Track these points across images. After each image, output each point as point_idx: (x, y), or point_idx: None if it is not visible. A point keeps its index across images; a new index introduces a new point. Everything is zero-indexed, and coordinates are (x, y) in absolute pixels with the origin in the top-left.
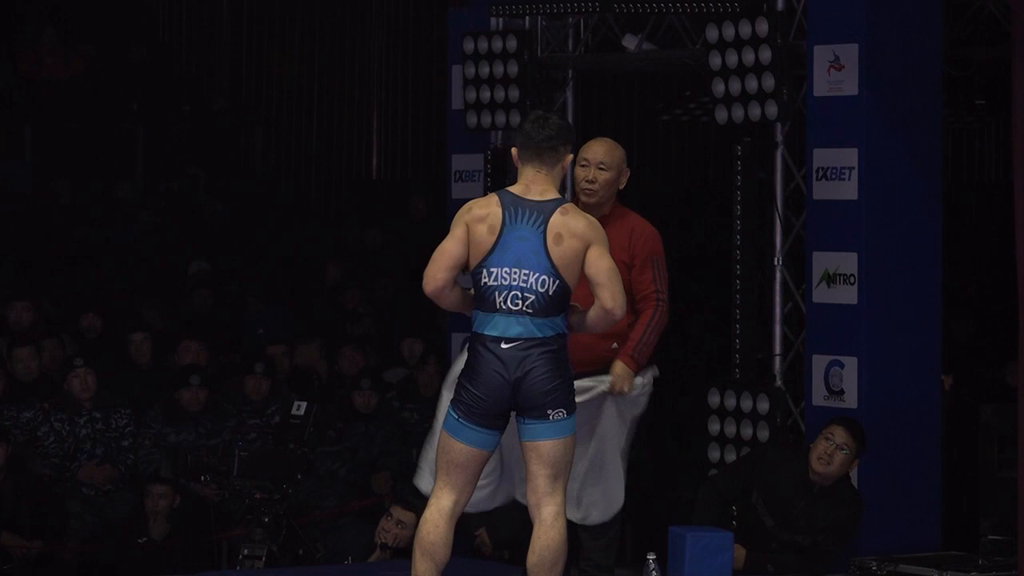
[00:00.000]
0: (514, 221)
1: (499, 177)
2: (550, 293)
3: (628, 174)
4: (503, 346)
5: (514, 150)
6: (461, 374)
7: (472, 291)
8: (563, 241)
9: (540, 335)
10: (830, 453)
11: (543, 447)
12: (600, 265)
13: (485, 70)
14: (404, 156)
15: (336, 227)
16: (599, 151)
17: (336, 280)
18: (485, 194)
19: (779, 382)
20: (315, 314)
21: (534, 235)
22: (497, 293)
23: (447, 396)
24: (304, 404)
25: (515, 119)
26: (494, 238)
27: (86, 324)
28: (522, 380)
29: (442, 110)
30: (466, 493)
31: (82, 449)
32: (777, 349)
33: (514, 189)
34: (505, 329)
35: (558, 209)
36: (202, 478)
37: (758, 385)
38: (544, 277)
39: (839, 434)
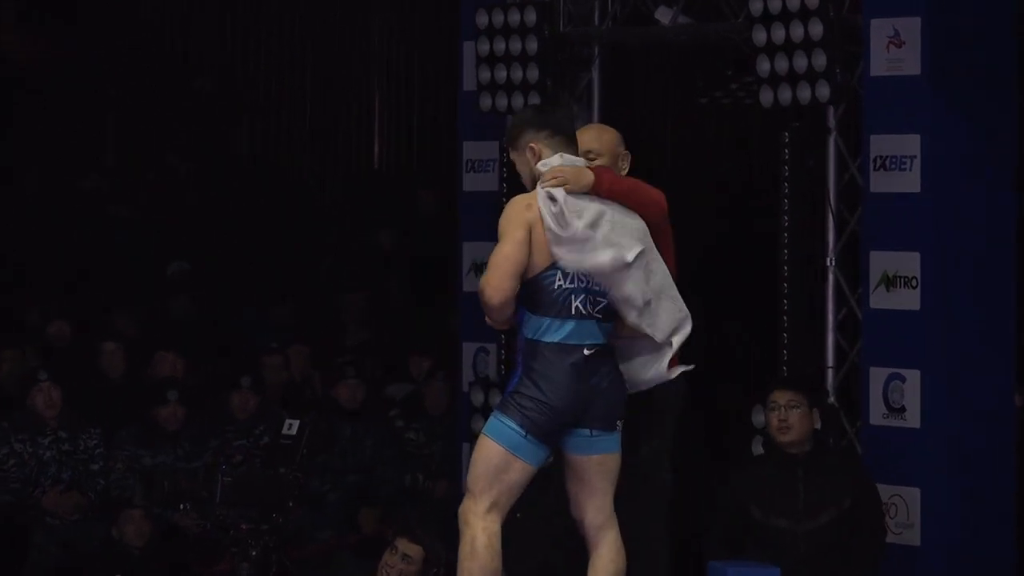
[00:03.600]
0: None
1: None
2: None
3: (629, 158)
4: (586, 353)
5: (535, 144)
6: (521, 386)
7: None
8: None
9: (607, 342)
10: (783, 419)
11: (611, 461)
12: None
13: (501, 46)
14: (409, 144)
15: (333, 224)
16: (585, 139)
17: (333, 284)
18: (501, 186)
19: (832, 398)
20: (309, 322)
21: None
22: (573, 296)
23: None
24: (296, 423)
25: (534, 101)
26: None
27: (51, 332)
28: (602, 390)
29: (452, 92)
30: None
31: (46, 473)
32: (830, 361)
33: None
34: (583, 336)
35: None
36: (181, 506)
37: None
38: None
39: (780, 397)
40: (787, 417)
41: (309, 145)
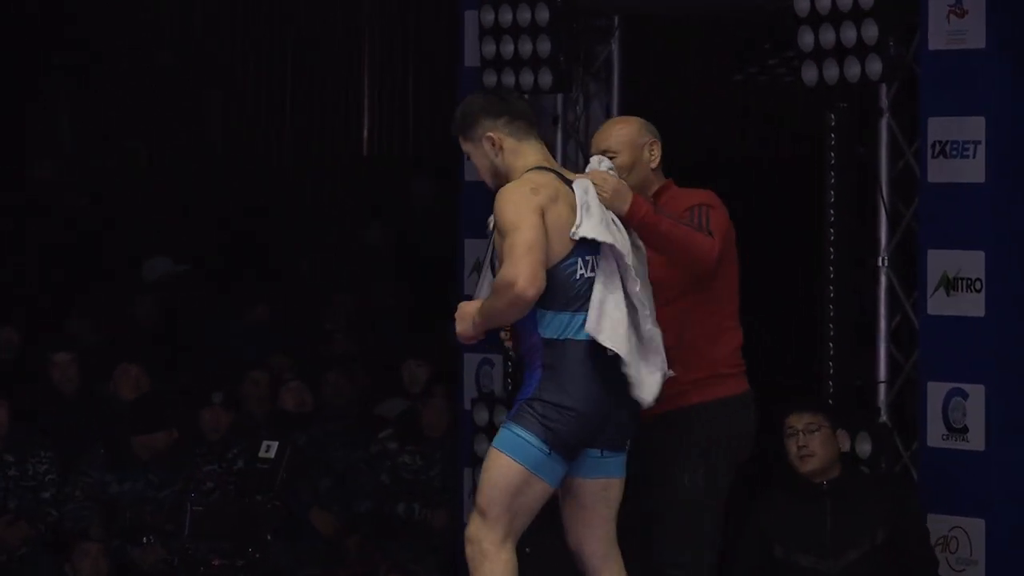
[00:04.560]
0: None
1: None
2: None
3: (657, 146)
4: (609, 354)
5: (494, 135)
6: (542, 391)
7: None
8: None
9: None
10: (803, 445)
11: (616, 486)
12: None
13: (507, 16)
14: (404, 127)
15: (318, 217)
16: (600, 139)
17: (317, 284)
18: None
19: (884, 416)
20: (291, 329)
21: None
22: (592, 286)
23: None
24: (275, 444)
25: (545, 79)
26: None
27: None
28: (623, 401)
29: (452, 68)
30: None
31: None
32: (882, 375)
33: (544, 165)
34: None
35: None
36: (144, 540)
37: (857, 420)
38: None
39: (796, 421)
40: (807, 443)
41: (289, 127)
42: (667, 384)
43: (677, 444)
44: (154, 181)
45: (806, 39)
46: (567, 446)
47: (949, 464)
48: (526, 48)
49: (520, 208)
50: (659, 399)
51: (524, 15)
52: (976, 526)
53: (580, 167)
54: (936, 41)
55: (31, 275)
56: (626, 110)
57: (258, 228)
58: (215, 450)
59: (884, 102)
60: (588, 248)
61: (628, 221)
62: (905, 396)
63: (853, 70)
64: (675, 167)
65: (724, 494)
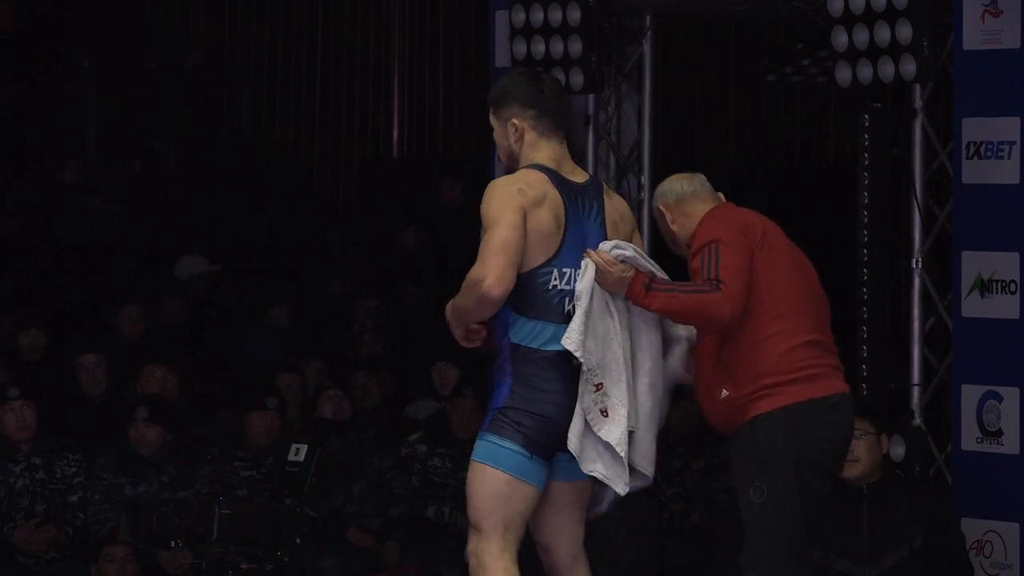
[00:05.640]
0: (575, 210)
1: None
2: None
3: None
4: (573, 364)
5: (518, 123)
6: (514, 399)
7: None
8: (618, 228)
9: None
10: (850, 450)
11: (586, 488)
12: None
13: (538, 16)
14: (434, 129)
15: (347, 219)
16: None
17: (346, 286)
18: None
19: (918, 420)
20: (318, 331)
21: (596, 228)
22: (568, 299)
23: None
24: (304, 447)
25: (576, 80)
26: (562, 231)
27: (24, 343)
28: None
29: (483, 68)
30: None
31: (17, 506)
32: (915, 377)
33: (548, 165)
34: None
35: (603, 189)
36: (172, 543)
37: (891, 424)
38: None
39: None
40: (853, 448)
41: (318, 129)
42: (726, 403)
43: (742, 459)
44: (181, 182)
45: (840, 39)
46: (545, 448)
47: (983, 468)
48: (557, 48)
49: (502, 205)
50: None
51: (555, 15)
52: (1011, 530)
53: (612, 169)
54: (971, 41)
55: (58, 277)
56: (657, 111)
57: (287, 229)
58: (255, 455)
59: (918, 103)
60: (568, 260)
61: (634, 303)
62: (939, 399)
63: (887, 70)
64: (706, 166)
65: (799, 505)
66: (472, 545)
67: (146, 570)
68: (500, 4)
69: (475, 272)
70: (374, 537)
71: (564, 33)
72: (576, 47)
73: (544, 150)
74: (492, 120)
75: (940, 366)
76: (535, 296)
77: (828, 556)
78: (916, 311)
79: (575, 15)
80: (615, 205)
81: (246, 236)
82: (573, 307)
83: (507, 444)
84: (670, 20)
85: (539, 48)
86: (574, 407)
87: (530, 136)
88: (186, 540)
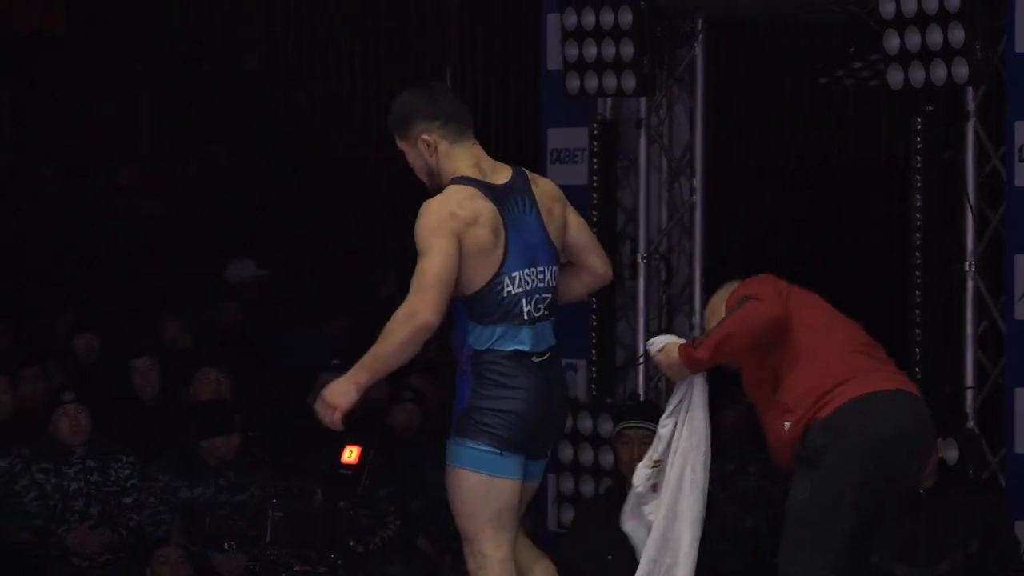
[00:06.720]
0: (510, 212)
1: (608, 156)
2: (556, 284)
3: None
4: (536, 360)
5: (429, 138)
6: (478, 400)
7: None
8: (552, 213)
9: (555, 340)
10: None
11: (531, 490)
12: (582, 227)
13: (590, 19)
14: (487, 131)
15: (404, 223)
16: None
17: (395, 289)
18: (591, 178)
19: (971, 423)
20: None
21: (533, 221)
22: (525, 301)
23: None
24: (356, 450)
25: (628, 83)
26: (502, 240)
27: (78, 347)
28: (553, 413)
29: (535, 72)
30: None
31: (72, 508)
32: (969, 380)
33: (470, 174)
34: (536, 342)
35: (529, 178)
36: (225, 545)
37: (944, 427)
38: (554, 267)
39: None
40: None
41: (375, 132)
42: (792, 432)
43: (796, 463)
44: (236, 184)
45: (892, 42)
46: (516, 442)
47: None
48: (609, 51)
49: (434, 231)
50: None
51: (607, 18)
52: None
53: (664, 172)
54: (1023, 44)
55: (111, 280)
56: (709, 114)
57: (344, 233)
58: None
59: (970, 106)
60: (515, 264)
61: (695, 370)
62: (993, 402)
63: (939, 73)
64: (758, 170)
65: (845, 507)
66: (466, 548)
67: (199, 572)
68: (551, 7)
69: (410, 305)
70: (436, 545)
71: (616, 36)
72: (628, 50)
73: (462, 157)
74: (401, 145)
75: (993, 369)
76: (492, 305)
77: (887, 560)
78: (969, 314)
79: (627, 18)
80: (544, 190)
81: (301, 239)
82: (532, 308)
83: (476, 444)
84: (721, 23)
85: (591, 51)
86: (537, 407)
87: (443, 146)
88: (239, 542)
